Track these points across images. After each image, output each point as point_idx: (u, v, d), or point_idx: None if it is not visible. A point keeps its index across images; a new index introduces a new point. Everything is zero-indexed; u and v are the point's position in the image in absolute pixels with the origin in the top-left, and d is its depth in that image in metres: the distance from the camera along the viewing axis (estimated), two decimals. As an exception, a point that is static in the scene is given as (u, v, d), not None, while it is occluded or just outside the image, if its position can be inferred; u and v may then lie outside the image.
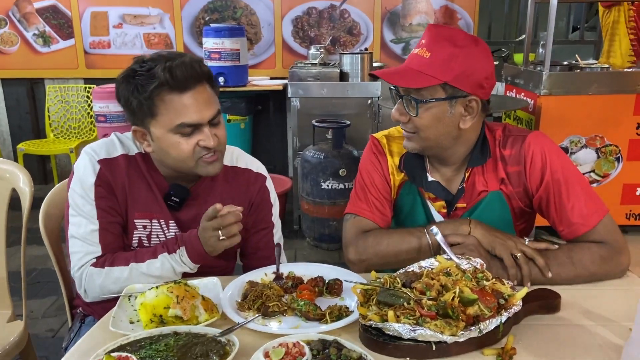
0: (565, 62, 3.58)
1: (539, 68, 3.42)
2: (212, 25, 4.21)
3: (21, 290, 1.73)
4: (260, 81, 4.48)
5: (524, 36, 4.28)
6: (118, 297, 1.19)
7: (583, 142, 3.35)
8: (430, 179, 1.39)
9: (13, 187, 1.71)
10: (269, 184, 1.49)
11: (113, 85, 1.31)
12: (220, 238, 1.20)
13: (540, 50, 4.27)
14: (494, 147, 1.36)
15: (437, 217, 1.39)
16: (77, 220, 1.29)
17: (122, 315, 1.12)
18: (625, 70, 3.63)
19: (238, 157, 1.47)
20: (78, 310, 1.47)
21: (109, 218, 1.29)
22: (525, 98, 3.50)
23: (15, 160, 4.56)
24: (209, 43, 4.11)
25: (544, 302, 1.12)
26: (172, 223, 1.35)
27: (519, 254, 1.22)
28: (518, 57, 5.03)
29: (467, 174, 1.35)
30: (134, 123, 1.27)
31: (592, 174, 3.42)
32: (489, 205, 1.34)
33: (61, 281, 1.59)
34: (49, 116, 4.77)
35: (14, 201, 1.70)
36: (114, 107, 4.14)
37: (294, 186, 3.79)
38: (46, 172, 5.10)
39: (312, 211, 3.48)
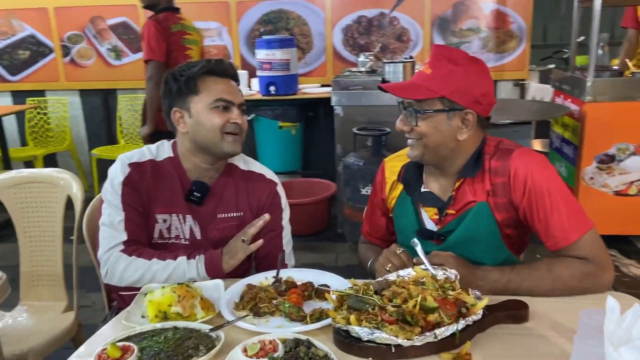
0: (615, 67, 3.47)
1: (584, 74, 3.34)
2: (264, 37, 4.43)
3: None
4: (310, 89, 4.65)
5: (582, 37, 4.16)
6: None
7: (632, 149, 3.23)
8: (423, 189, 1.49)
9: (68, 194, 1.98)
10: (280, 190, 1.67)
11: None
12: (243, 239, 1.49)
13: (600, 52, 4.13)
14: (485, 160, 1.43)
15: (429, 223, 1.49)
16: (108, 211, 1.53)
17: (137, 310, 1.29)
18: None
19: (251, 163, 1.69)
20: (112, 305, 1.69)
21: (133, 212, 1.52)
22: (571, 104, 3.42)
23: (90, 164, 5.02)
24: (261, 54, 4.34)
25: (511, 312, 1.18)
26: (188, 217, 1.57)
27: None
28: (580, 59, 4.84)
29: (457, 184, 1.44)
30: (174, 106, 1.56)
31: (641, 182, 3.30)
32: (476, 215, 1.41)
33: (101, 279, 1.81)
34: (120, 124, 5.20)
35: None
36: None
37: (338, 191, 3.91)
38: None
39: (353, 216, 3.60)
